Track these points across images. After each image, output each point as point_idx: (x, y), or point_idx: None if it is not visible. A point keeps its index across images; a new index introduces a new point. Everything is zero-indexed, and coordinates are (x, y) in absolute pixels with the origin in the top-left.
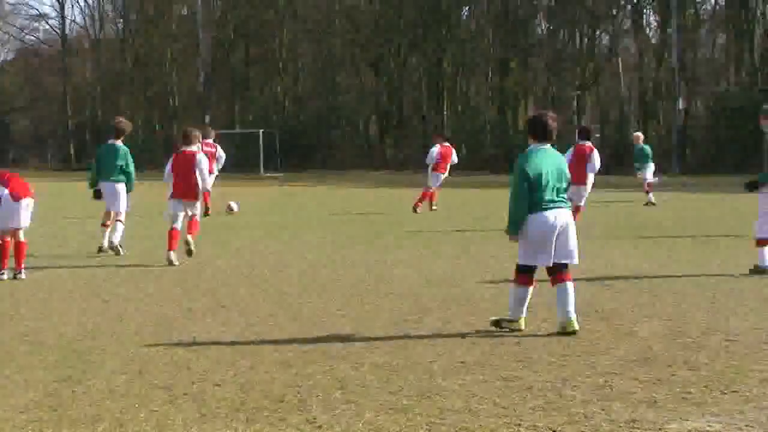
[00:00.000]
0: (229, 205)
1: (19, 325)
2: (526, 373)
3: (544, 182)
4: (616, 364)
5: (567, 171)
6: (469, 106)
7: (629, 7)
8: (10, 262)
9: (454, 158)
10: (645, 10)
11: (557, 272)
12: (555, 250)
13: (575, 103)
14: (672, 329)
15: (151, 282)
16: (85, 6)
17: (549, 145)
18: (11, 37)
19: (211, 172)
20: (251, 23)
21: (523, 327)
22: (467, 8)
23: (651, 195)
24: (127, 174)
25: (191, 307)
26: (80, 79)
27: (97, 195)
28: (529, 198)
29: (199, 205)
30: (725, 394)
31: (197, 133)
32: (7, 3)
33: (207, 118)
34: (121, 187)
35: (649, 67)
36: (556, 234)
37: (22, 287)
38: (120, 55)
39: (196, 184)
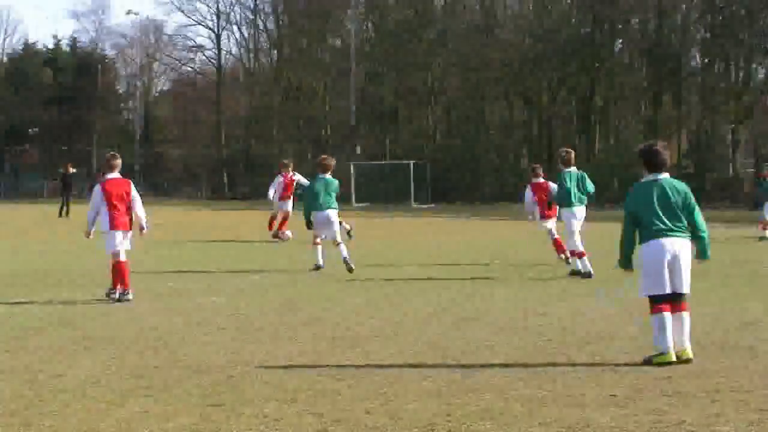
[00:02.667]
0: (285, 233)
1: (175, 353)
2: (676, 408)
3: (655, 211)
4: (767, 402)
5: (684, 199)
6: (620, 139)
7: None
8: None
9: None
10: None
11: (674, 301)
12: (671, 279)
13: (729, 137)
14: None
15: (299, 311)
16: (240, 38)
17: (665, 174)
18: (168, 69)
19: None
20: (402, 55)
21: (674, 359)
22: (620, 40)
23: None
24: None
25: (340, 337)
26: (233, 110)
27: (311, 225)
28: (641, 228)
29: None
30: None
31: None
32: (165, 34)
33: (358, 149)
34: (335, 214)
35: None
36: (668, 261)
37: (175, 316)
38: (273, 87)
39: None
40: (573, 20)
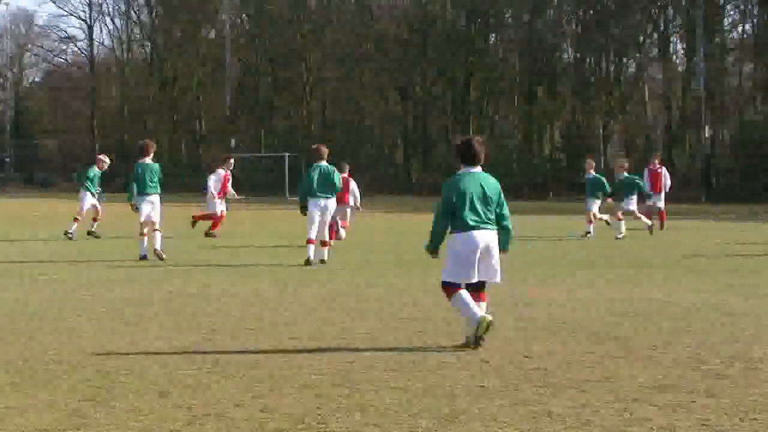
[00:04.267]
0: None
1: (43, 345)
2: (545, 399)
3: (468, 204)
4: (636, 391)
5: (496, 193)
6: (495, 133)
7: (656, 35)
8: None
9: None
10: (672, 38)
11: (476, 291)
12: (479, 269)
13: (601, 131)
14: (693, 357)
15: (176, 304)
16: (113, 29)
17: (478, 168)
18: (40, 59)
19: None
20: (279, 48)
21: (490, 318)
22: (494, 34)
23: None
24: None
25: (217, 329)
26: (108, 102)
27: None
28: (455, 219)
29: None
30: (744, 422)
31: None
32: (36, 25)
33: (233, 141)
34: (157, 198)
35: (676, 95)
36: (479, 253)
37: (46, 308)
38: (147, 79)
39: None
40: (448, 13)
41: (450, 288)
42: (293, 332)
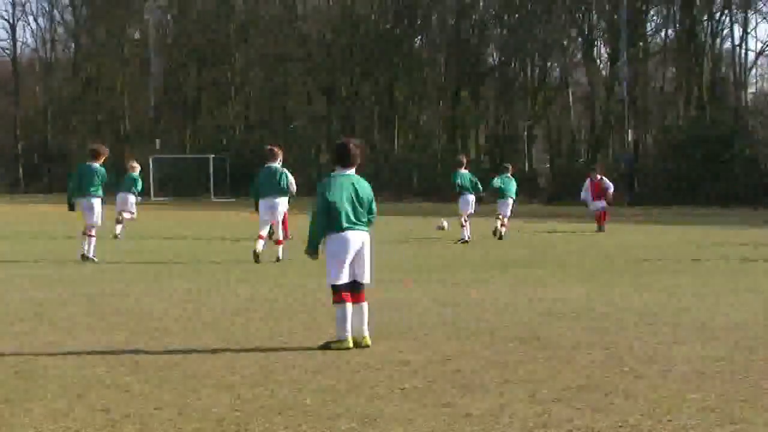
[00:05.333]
0: (441, 223)
1: None
2: (465, 401)
3: (343, 206)
4: (555, 393)
5: (368, 195)
6: (419, 135)
7: (580, 39)
8: None
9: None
10: (596, 42)
11: (354, 292)
12: (353, 269)
13: (526, 133)
14: (612, 358)
15: (96, 306)
16: (36, 28)
17: (352, 170)
18: None
19: None
20: (203, 48)
21: (351, 346)
22: (419, 37)
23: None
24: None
25: (140, 330)
26: (31, 102)
27: (73, 208)
28: (330, 219)
29: None
30: (661, 423)
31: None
32: None
33: (158, 143)
34: (97, 202)
35: (600, 98)
36: (353, 254)
37: None
38: (71, 79)
39: None
40: (373, 15)
41: (339, 294)
42: (215, 333)
